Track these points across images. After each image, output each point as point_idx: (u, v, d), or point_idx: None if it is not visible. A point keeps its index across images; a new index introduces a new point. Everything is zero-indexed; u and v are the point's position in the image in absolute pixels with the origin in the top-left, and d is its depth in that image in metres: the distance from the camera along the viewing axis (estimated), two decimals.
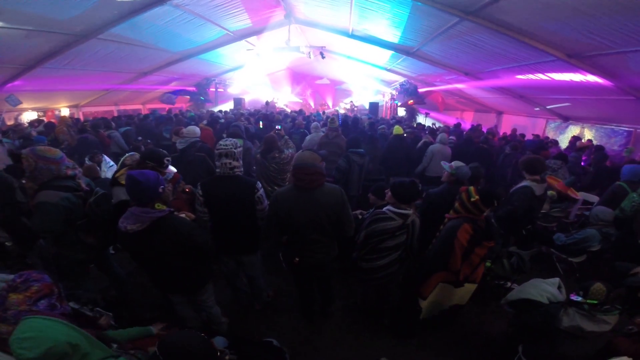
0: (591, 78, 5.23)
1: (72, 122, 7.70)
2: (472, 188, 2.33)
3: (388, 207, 2.51)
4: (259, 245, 2.79)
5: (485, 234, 2.31)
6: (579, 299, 2.08)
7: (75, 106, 10.81)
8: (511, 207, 3.42)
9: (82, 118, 10.16)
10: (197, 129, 4.24)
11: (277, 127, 5.22)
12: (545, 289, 2.39)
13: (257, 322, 3.10)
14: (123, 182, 2.48)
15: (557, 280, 2.51)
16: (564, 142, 8.49)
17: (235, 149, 2.42)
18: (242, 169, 2.51)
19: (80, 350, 1.28)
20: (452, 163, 3.14)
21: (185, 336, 1.34)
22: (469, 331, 3.02)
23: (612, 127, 7.39)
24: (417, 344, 2.83)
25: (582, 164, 6.09)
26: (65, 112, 10.36)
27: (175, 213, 2.14)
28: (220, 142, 2.44)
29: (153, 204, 1.93)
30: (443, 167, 3.21)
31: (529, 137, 8.72)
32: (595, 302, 2.00)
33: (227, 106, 16.12)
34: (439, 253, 2.39)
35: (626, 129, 7.04)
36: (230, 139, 2.52)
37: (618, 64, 4.62)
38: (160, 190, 1.95)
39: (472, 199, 2.25)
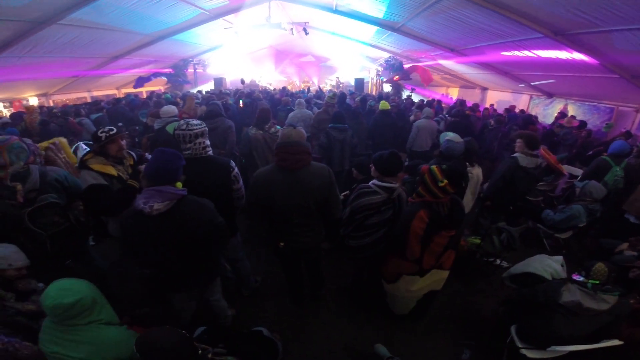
0: (577, 56, 5.17)
1: (45, 112, 7.30)
2: (435, 168, 2.14)
3: (373, 181, 2.41)
4: (237, 227, 2.70)
5: (445, 221, 2.16)
6: (581, 278, 2.08)
7: (44, 95, 10.22)
8: (493, 178, 3.44)
9: (52, 105, 9.63)
10: (173, 108, 4.05)
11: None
12: (550, 264, 2.39)
13: (246, 309, 3.03)
14: (92, 165, 2.33)
15: (560, 258, 2.51)
16: (547, 117, 8.58)
17: (205, 127, 2.28)
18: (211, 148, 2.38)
19: (98, 304, 1.53)
20: (448, 136, 3.07)
21: (164, 334, 1.32)
22: (460, 312, 3.04)
23: (595, 103, 7.43)
24: (410, 327, 2.85)
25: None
26: (33, 101, 9.79)
27: None
28: (191, 122, 2.25)
29: (174, 183, 1.80)
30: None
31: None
32: (597, 282, 2.02)
33: (208, 87, 15.59)
34: (398, 238, 2.30)
35: (608, 105, 7.10)
36: (196, 120, 2.35)
37: (603, 42, 4.55)
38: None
39: (441, 184, 2.07)
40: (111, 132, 2.38)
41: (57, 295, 1.38)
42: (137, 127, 5.91)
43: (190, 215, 1.80)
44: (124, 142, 2.49)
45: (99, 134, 2.37)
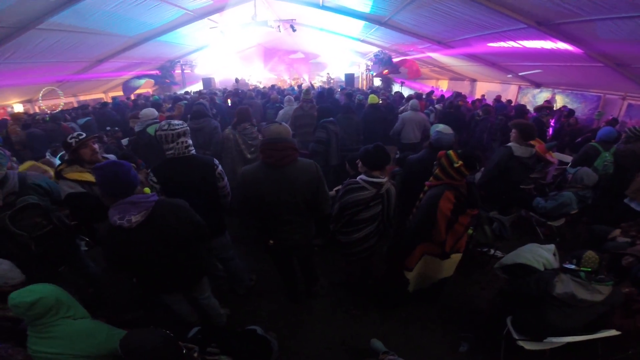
0: (561, 45, 5.20)
1: (29, 119, 7.15)
2: (451, 152, 2.21)
3: (360, 176, 2.39)
4: (225, 226, 2.69)
5: (468, 201, 2.23)
6: (573, 267, 2.07)
7: (29, 101, 10.02)
8: (487, 167, 3.43)
9: (38, 112, 9.43)
10: (153, 111, 4.01)
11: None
12: (541, 254, 2.38)
13: (241, 308, 3.01)
14: (67, 175, 2.29)
15: (552, 246, 2.50)
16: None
17: (187, 126, 2.26)
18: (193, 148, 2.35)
19: (64, 303, 1.58)
20: (438, 128, 3.06)
21: (147, 335, 1.36)
22: (455, 303, 3.04)
23: (582, 92, 7.52)
24: (405, 319, 2.85)
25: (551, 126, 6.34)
26: (19, 108, 9.60)
27: None
28: (173, 122, 2.22)
29: (139, 189, 1.78)
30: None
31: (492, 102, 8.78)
32: (589, 270, 2.00)
33: (196, 87, 15.42)
34: (421, 223, 2.31)
35: (595, 94, 7.18)
36: (177, 120, 2.32)
37: (586, 31, 4.58)
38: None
39: (456, 165, 2.14)
40: (80, 137, 2.35)
41: (17, 296, 1.47)
42: (116, 128, 5.82)
43: (167, 218, 1.78)
44: (96, 146, 2.46)
45: (69, 141, 2.33)
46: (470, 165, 2.14)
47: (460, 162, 2.13)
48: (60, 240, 2.41)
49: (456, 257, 2.49)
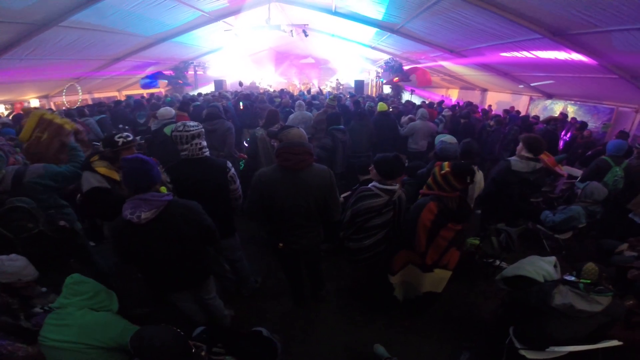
0: (575, 56, 5.16)
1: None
2: (446, 163, 2.21)
3: (373, 183, 2.41)
4: (234, 228, 2.73)
5: (453, 215, 2.19)
6: (573, 278, 2.06)
7: (46, 97, 10.23)
8: (486, 181, 3.39)
9: (54, 108, 9.64)
10: (171, 110, 4.10)
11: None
12: (542, 266, 2.37)
13: (246, 310, 3.04)
14: (98, 168, 2.31)
15: (553, 258, 2.49)
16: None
17: (202, 128, 2.31)
18: (207, 150, 2.40)
19: (99, 295, 1.74)
20: (443, 138, 3.05)
21: (157, 331, 1.37)
22: (459, 313, 3.04)
23: (595, 104, 7.43)
24: (409, 327, 2.85)
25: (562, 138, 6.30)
26: (35, 103, 9.83)
27: None
28: (188, 124, 2.27)
29: (157, 187, 1.81)
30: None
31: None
32: (589, 281, 1.99)
33: (208, 89, 15.62)
34: (406, 230, 2.34)
35: (608, 106, 7.09)
36: (192, 122, 2.37)
37: (602, 42, 4.54)
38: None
39: (442, 172, 2.13)
40: (128, 139, 2.39)
41: (78, 275, 1.72)
42: (126, 127, 5.94)
43: (178, 219, 1.82)
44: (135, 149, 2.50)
45: (116, 139, 2.35)
46: (459, 176, 2.10)
47: (447, 170, 2.12)
48: (49, 243, 2.37)
49: (442, 273, 2.45)
